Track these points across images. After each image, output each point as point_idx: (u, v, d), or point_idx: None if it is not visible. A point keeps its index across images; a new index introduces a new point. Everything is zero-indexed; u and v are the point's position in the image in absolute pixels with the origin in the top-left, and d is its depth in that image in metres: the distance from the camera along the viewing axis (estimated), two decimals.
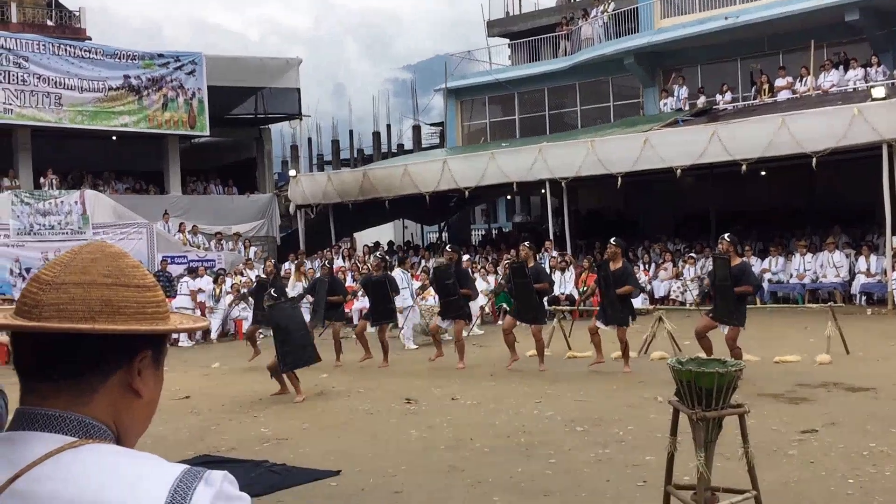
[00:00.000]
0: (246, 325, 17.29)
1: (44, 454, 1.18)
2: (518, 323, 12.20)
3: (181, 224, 24.35)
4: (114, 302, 1.25)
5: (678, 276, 20.60)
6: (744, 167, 18.98)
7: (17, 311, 1.25)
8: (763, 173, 21.58)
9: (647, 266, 21.59)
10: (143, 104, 24.69)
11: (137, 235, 22.74)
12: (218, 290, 20.51)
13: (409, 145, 43.91)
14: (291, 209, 27.44)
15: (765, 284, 19.31)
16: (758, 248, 21.63)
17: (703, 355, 10.58)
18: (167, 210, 24.58)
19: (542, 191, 23.48)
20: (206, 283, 21.10)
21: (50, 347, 1.24)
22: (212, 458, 7.74)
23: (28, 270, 21.36)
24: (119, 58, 24.28)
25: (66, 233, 22.01)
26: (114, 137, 25.37)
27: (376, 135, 46.49)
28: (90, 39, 32.43)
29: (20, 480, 1.17)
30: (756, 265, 19.70)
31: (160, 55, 25.24)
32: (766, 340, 13.65)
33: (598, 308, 12.04)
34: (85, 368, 1.25)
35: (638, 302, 17.96)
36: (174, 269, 22.24)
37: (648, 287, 20.45)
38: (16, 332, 1.25)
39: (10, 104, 22.80)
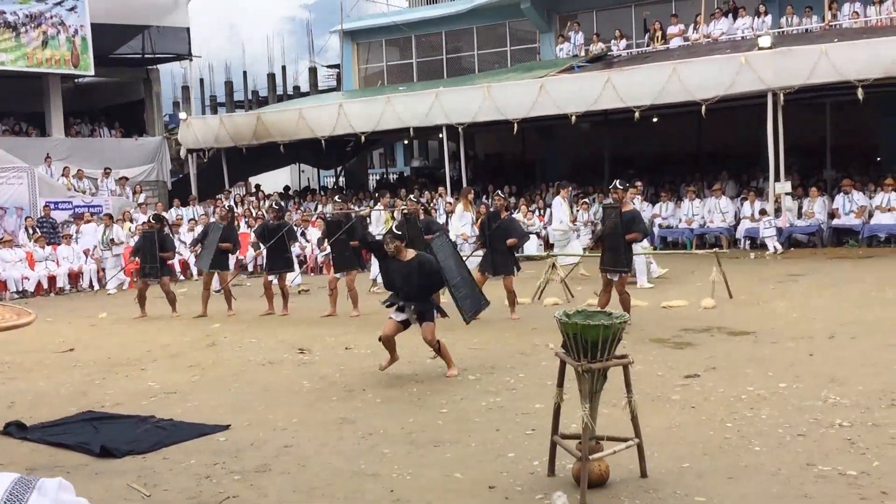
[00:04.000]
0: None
1: None
2: None
3: (65, 168, 23.36)
4: None
5: (573, 221, 20.89)
6: (636, 114, 19.29)
7: None
8: (655, 120, 21.98)
9: (542, 211, 21.82)
10: (20, 41, 23.39)
11: (17, 180, 21.67)
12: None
13: (305, 87, 42.98)
14: (182, 153, 26.65)
15: (655, 229, 19.81)
16: (649, 193, 22.12)
17: (593, 301, 10.84)
18: (49, 153, 23.52)
19: (440, 135, 23.41)
20: (91, 229, 20.38)
21: None
22: (95, 414, 7.50)
23: None
24: None
25: None
26: None
27: (271, 76, 45.31)
28: None
29: None
30: (647, 210, 20.18)
31: None
32: (654, 285, 14.05)
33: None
34: None
35: (533, 248, 18.24)
36: (58, 216, 21.41)
37: (543, 232, 20.69)
38: None
39: None
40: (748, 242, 18.94)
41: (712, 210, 19.71)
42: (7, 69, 23.41)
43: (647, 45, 24.23)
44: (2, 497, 1.08)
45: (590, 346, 4.98)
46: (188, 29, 27.03)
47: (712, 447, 5.74)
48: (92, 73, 25.02)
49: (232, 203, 22.73)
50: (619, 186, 10.79)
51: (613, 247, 10.45)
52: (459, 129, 21.66)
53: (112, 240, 18.69)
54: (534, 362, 8.64)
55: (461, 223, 16.07)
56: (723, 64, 18.56)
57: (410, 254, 8.29)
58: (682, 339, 9.53)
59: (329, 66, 41.34)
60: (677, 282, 14.51)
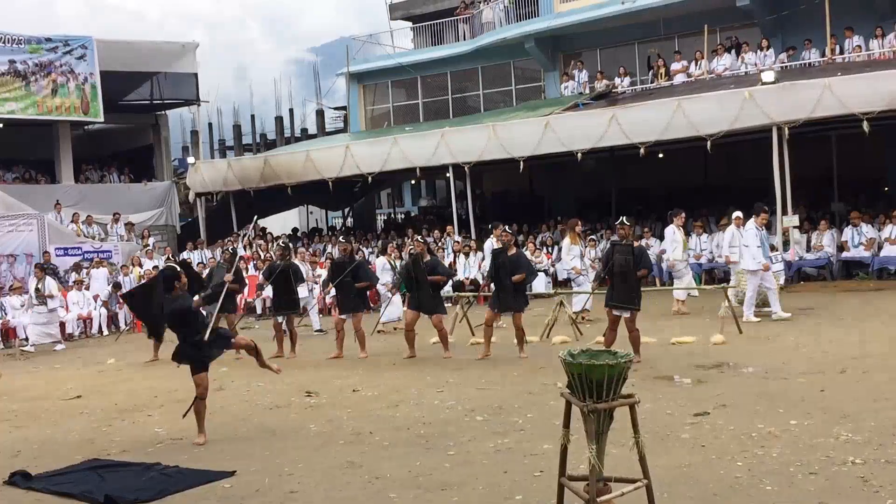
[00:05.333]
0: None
1: None
2: (420, 314, 12.14)
3: (74, 214, 23.51)
4: None
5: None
6: (642, 150, 19.33)
7: None
8: (661, 155, 22.01)
9: (549, 249, 21.78)
10: (30, 90, 23.72)
11: (27, 227, 21.78)
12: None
13: (312, 129, 43.35)
14: (191, 197, 26.81)
15: (664, 265, 19.72)
16: (657, 229, 22.06)
17: (601, 339, 10.77)
18: (59, 200, 23.69)
19: (447, 175, 23.48)
20: (102, 274, 20.48)
21: None
22: (101, 462, 7.46)
23: None
24: (3, 41, 23.23)
25: None
26: (0, 125, 24.33)
27: (279, 119, 45.75)
28: None
29: None
30: (655, 246, 20.12)
31: (48, 39, 24.23)
32: (663, 321, 13.96)
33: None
34: None
35: (541, 286, 18.17)
36: (68, 261, 21.50)
37: (552, 270, 20.63)
38: None
39: None
40: None
41: (720, 245, 19.60)
42: (17, 117, 23.69)
43: (651, 82, 24.36)
44: None
45: (595, 385, 4.93)
46: (196, 74, 27.34)
47: (723, 487, 5.65)
48: (101, 119, 25.31)
49: (240, 246, 22.76)
50: (626, 223, 10.78)
51: (626, 283, 10.36)
52: (466, 168, 21.72)
53: (41, 292, 17.26)
54: (542, 402, 8.57)
55: (570, 257, 15.15)
56: (727, 99, 18.61)
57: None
58: (691, 376, 9.44)
59: (336, 108, 41.75)
60: (686, 318, 14.42)
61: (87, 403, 10.49)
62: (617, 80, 24.81)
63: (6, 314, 18.08)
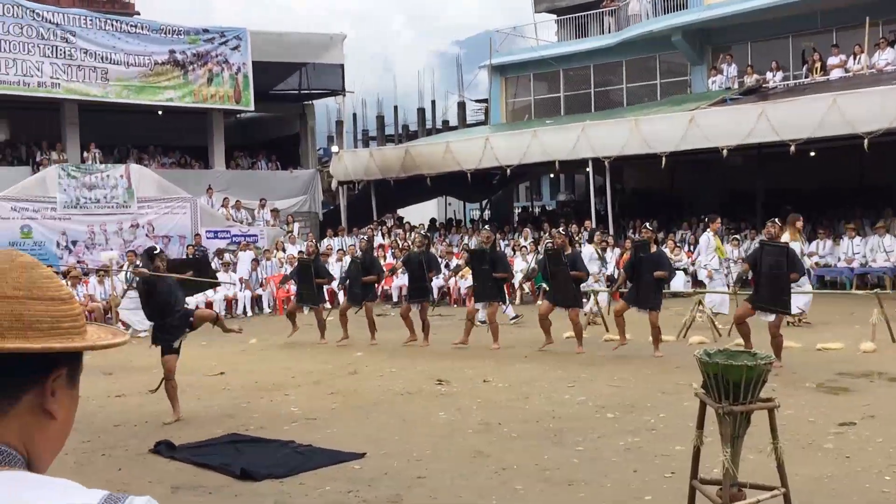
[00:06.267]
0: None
1: None
2: (555, 307, 12.04)
3: (224, 199, 24.50)
4: (25, 317, 1.16)
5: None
6: (792, 148, 18.54)
7: None
8: (812, 154, 21.04)
9: (690, 247, 21.21)
10: (188, 79, 24.80)
11: (181, 210, 22.94)
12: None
13: (453, 122, 43.69)
14: (334, 185, 27.48)
15: (811, 268, 18.88)
16: (806, 230, 21.13)
17: (740, 341, 10.40)
18: (211, 185, 24.74)
19: (587, 169, 23.18)
20: (248, 257, 21.28)
21: None
22: (240, 437, 7.75)
23: (74, 244, 21.71)
24: (165, 33, 24.39)
25: (112, 206, 22.28)
26: (159, 112, 25.58)
27: (421, 111, 46.34)
28: (138, 14, 32.71)
29: None
30: (802, 248, 19.29)
31: (205, 30, 25.30)
32: (809, 326, 13.37)
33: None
34: None
35: (680, 284, 17.72)
36: (217, 244, 22.47)
37: (691, 269, 20.08)
38: None
39: (58, 78, 23.01)
40: None
41: (875, 249, 18.63)
42: (175, 105, 24.85)
43: (805, 77, 23.31)
44: None
45: (732, 387, 4.75)
46: (342, 66, 27.94)
47: (868, 501, 5.36)
48: (252, 108, 26.22)
49: (373, 234, 23.17)
50: (777, 222, 10.39)
51: (776, 285, 9.95)
52: (606, 163, 21.39)
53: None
54: (676, 402, 8.34)
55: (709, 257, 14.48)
56: (888, 95, 17.57)
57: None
58: (837, 384, 9.00)
59: (477, 101, 41.89)
60: (834, 323, 13.75)
61: (229, 380, 10.91)
62: (769, 75, 23.85)
63: None
